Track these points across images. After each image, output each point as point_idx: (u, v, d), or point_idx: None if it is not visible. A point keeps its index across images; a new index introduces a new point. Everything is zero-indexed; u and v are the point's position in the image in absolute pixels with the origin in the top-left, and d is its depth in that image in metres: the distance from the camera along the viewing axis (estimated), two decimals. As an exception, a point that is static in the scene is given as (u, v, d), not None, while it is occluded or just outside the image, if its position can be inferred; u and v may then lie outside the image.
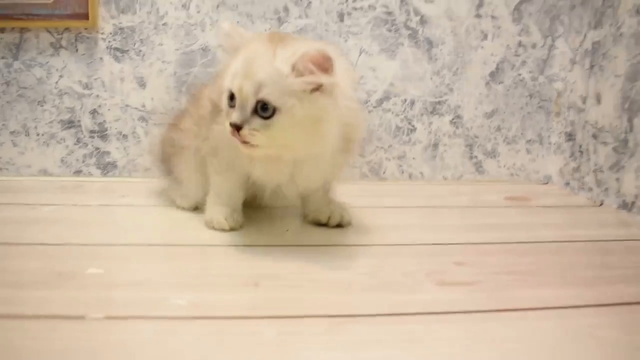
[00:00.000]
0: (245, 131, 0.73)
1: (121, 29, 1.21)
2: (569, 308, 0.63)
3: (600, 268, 0.77)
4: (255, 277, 0.69)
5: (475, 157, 1.33)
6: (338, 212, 0.90)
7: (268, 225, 0.91)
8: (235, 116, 0.73)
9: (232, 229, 0.86)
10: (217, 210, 0.87)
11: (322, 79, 0.71)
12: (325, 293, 0.65)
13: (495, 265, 0.75)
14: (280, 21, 1.23)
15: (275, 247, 0.80)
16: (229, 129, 0.74)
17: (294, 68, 0.72)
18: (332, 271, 0.72)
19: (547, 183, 1.35)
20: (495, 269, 0.74)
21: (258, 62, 0.73)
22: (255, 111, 0.73)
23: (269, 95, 0.72)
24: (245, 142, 0.74)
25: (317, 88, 0.72)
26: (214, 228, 0.86)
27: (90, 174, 1.25)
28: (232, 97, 0.75)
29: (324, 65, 0.71)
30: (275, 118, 0.72)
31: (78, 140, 1.24)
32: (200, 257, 0.77)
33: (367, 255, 0.78)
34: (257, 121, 0.73)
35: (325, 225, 0.90)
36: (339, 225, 0.90)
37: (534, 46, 1.31)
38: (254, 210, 0.95)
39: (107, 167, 1.25)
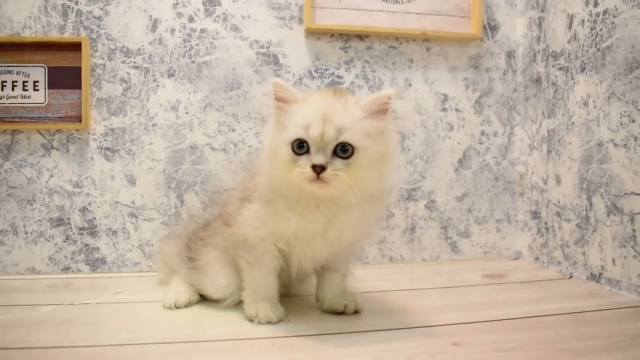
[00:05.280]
0: (328, 172, 0.80)
1: (112, 129, 1.27)
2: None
3: (577, 340, 0.83)
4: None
5: (450, 237, 1.41)
6: (352, 299, 0.96)
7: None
8: (319, 158, 0.80)
9: (279, 321, 0.90)
10: (260, 305, 0.91)
11: (388, 122, 0.85)
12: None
13: (487, 343, 0.81)
14: (263, 121, 1.31)
15: (279, 338, 0.84)
16: (307, 172, 0.80)
17: (365, 112, 0.83)
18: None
19: (517, 258, 1.44)
20: (488, 348, 0.79)
21: (334, 110, 0.82)
22: (334, 153, 0.81)
23: (350, 137, 0.81)
24: (323, 182, 0.80)
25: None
26: (259, 322, 0.89)
27: (79, 270, 1.26)
28: (300, 145, 0.82)
29: (385, 107, 0.84)
30: (355, 157, 0.81)
31: (67, 238, 1.26)
32: (201, 355, 0.79)
33: (368, 341, 0.83)
34: (339, 161, 0.81)
35: (342, 313, 0.95)
36: (355, 312, 0.96)
37: (495, 134, 1.43)
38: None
39: (96, 263, 1.27)
